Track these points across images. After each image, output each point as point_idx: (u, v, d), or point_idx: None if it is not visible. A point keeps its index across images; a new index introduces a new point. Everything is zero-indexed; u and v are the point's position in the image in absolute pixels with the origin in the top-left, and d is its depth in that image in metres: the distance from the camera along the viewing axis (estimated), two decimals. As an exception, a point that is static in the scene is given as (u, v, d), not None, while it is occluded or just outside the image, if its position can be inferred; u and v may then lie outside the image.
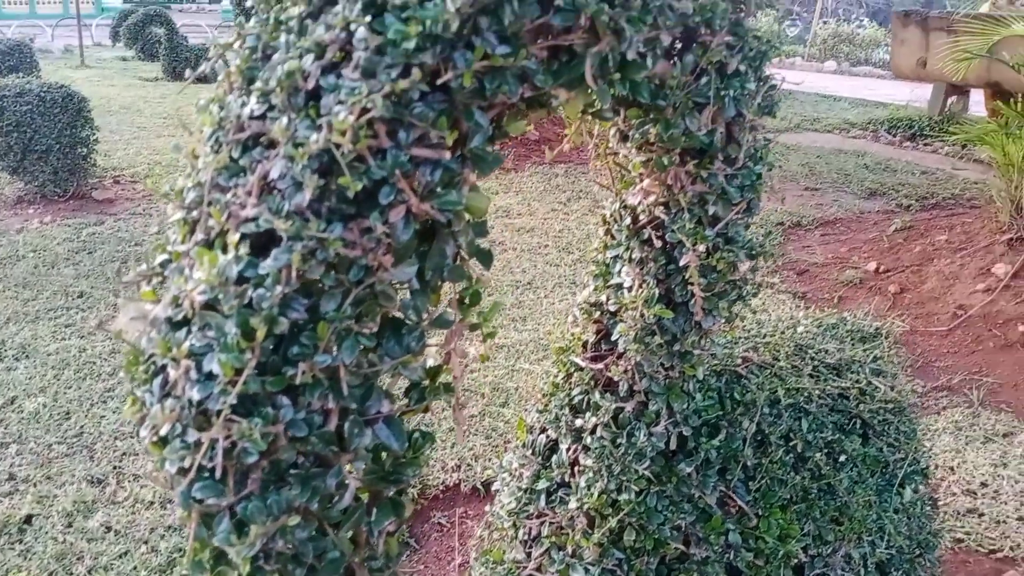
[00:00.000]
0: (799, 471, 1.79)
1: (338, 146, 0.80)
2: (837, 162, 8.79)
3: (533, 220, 6.32)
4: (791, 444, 1.79)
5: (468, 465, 3.01)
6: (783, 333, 2.11)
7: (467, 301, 1.04)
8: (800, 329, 2.14)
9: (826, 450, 1.83)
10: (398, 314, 0.97)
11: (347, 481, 0.93)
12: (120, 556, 2.50)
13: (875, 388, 1.98)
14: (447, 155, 0.88)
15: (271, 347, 0.85)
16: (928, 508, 2.17)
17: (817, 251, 5.85)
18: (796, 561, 1.76)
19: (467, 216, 0.98)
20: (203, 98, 0.89)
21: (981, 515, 2.89)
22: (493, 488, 1.91)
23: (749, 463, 1.73)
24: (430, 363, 1.10)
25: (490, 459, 2.98)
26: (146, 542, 2.55)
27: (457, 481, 2.93)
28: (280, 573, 0.91)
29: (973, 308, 4.65)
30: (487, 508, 1.91)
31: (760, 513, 1.73)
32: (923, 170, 8.47)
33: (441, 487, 2.90)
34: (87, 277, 4.79)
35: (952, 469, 3.17)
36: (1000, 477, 3.11)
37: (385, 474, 1.01)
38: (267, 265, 0.81)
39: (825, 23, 22.17)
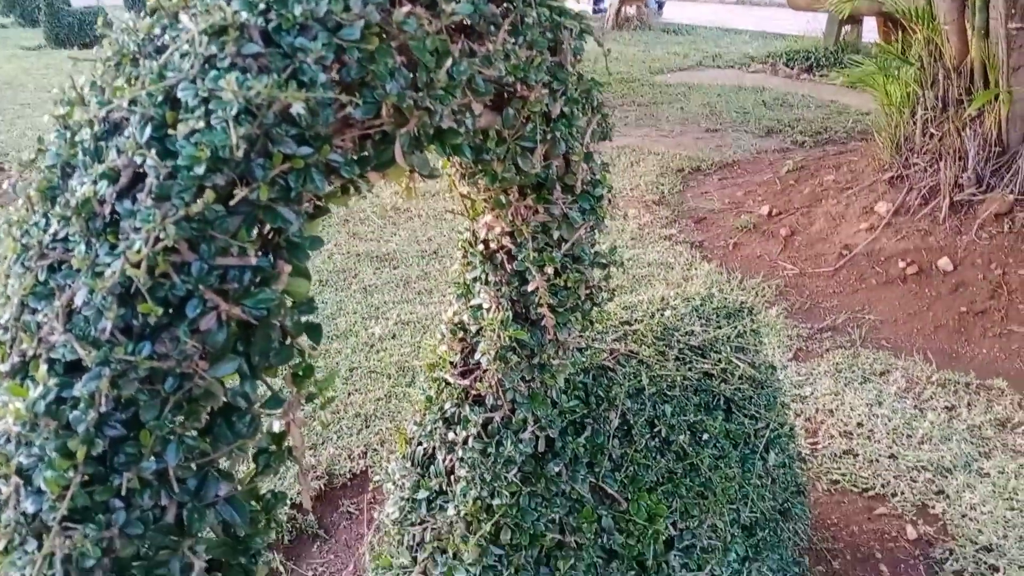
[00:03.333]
0: (664, 454, 1.92)
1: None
2: (737, 100, 8.99)
3: (439, 183, 6.32)
4: (655, 430, 1.92)
5: (375, 450, 3.09)
6: (651, 318, 2.22)
7: (301, 374, 1.10)
8: (668, 313, 2.26)
9: (690, 431, 1.97)
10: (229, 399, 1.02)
11: (192, 562, 0.99)
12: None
13: (735, 366, 2.12)
14: (253, 260, 0.93)
15: (97, 456, 0.90)
16: (796, 464, 2.36)
17: (715, 197, 6.03)
18: (665, 536, 1.90)
19: (288, 301, 1.03)
20: (4, 220, 0.91)
21: (856, 455, 3.13)
22: (384, 488, 2.00)
23: (615, 454, 1.85)
24: (277, 427, 1.16)
25: (395, 444, 3.06)
26: None
27: (364, 468, 3.01)
28: (134, 655, 0.97)
29: (857, 247, 4.90)
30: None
31: (629, 498, 1.87)
32: (818, 103, 8.74)
33: (349, 475, 2.98)
34: (-24, 278, 4.63)
35: (831, 412, 3.40)
36: (875, 416, 3.36)
37: (235, 544, 1.08)
38: (79, 389, 0.85)
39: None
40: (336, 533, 2.75)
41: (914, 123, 5.12)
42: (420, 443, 1.82)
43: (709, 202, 5.94)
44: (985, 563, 2.58)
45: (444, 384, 1.78)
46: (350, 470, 3.00)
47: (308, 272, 1.07)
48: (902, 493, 2.88)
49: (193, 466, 0.98)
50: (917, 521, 2.76)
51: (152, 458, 0.91)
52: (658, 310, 2.29)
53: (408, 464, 1.84)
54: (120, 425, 0.88)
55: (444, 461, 1.77)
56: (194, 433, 0.94)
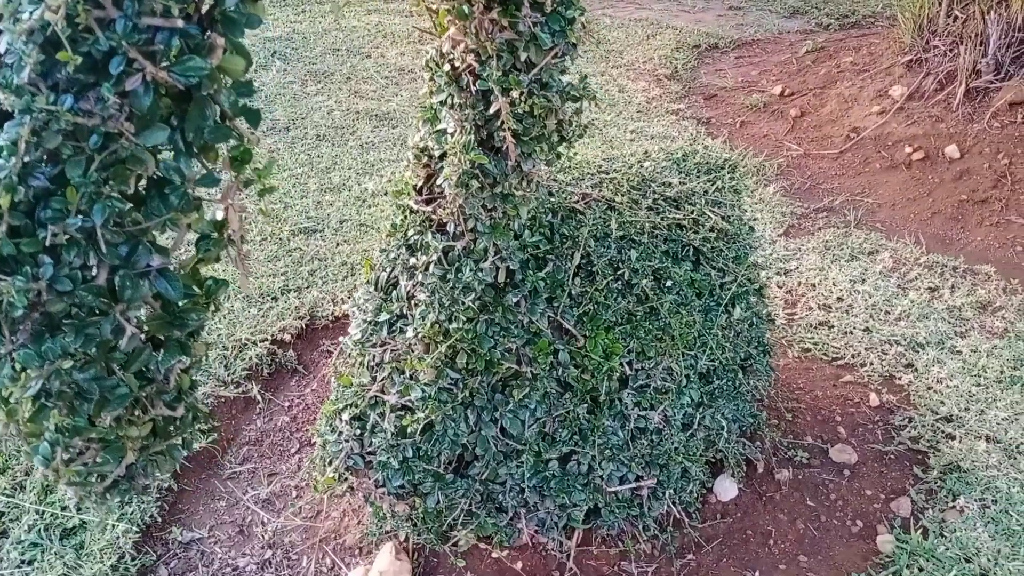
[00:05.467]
0: (625, 296, 1.95)
1: (55, 21, 0.84)
2: (765, -23, 8.60)
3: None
4: (619, 273, 1.94)
5: (359, 295, 3.15)
6: (630, 168, 2.21)
7: (239, 158, 1.11)
8: (648, 164, 2.25)
9: (654, 277, 1.99)
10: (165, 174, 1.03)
11: (124, 327, 1.03)
12: None
13: (707, 218, 2.12)
14: (179, 23, 0.92)
15: (25, 211, 0.92)
16: (762, 323, 2.39)
17: (728, 75, 5.87)
18: (620, 374, 1.96)
19: (224, 78, 1.03)
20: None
21: (831, 327, 3.17)
22: (349, 312, 2.06)
23: (575, 291, 1.88)
24: (219, 216, 1.18)
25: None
26: None
27: (345, 312, 3.07)
28: (68, 408, 1.03)
29: (866, 130, 4.80)
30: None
31: (587, 335, 1.91)
32: (850, -15, 8.36)
33: (330, 318, 3.05)
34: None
35: (813, 286, 3.42)
36: (856, 292, 3.37)
37: (171, 319, 1.12)
38: (2, 139, 0.86)
39: None
40: (314, 369, 2.85)
41: (939, 4, 4.91)
42: (384, 269, 1.85)
43: (722, 80, 5.79)
44: (943, 432, 2.65)
45: (408, 211, 1.79)
46: (332, 313, 3.07)
47: (246, 51, 1.06)
48: (871, 364, 2.93)
49: (124, 234, 1.00)
50: (881, 390, 2.82)
51: (79, 216, 0.93)
52: (638, 161, 2.27)
53: (372, 289, 1.88)
54: (45, 179, 0.90)
55: (406, 286, 1.81)
56: (120, 197, 0.96)
